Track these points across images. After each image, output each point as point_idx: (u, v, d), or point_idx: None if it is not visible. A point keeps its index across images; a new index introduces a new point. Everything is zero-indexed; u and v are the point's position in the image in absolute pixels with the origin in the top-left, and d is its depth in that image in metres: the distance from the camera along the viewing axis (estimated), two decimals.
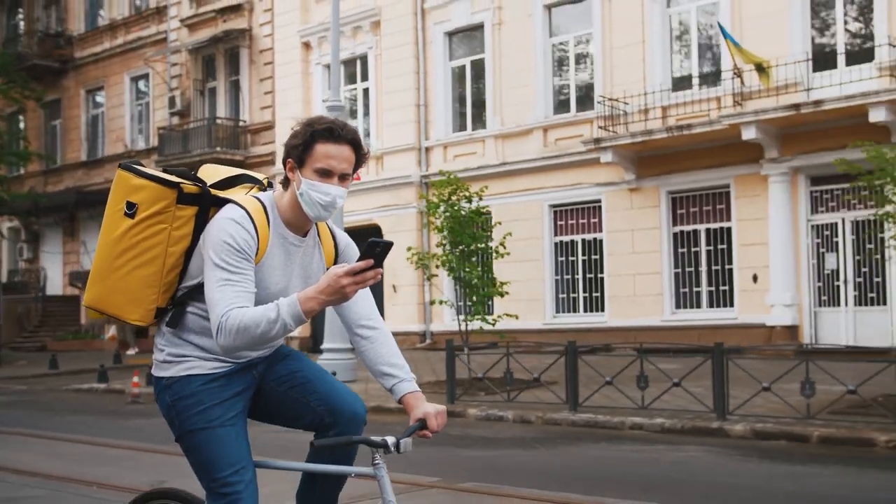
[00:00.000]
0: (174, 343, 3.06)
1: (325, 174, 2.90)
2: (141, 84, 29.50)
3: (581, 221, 20.03)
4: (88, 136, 31.01)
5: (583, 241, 19.99)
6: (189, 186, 3.01)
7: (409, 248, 15.42)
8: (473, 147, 21.55)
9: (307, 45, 24.56)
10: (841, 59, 16.92)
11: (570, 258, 20.20)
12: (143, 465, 8.44)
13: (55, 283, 31.16)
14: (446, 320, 19.66)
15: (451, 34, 22.14)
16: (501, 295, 15.24)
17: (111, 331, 26.34)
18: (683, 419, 10.56)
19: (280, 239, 2.99)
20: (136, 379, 14.89)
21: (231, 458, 2.97)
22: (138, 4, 29.58)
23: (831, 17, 17.28)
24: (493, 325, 14.65)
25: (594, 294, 19.79)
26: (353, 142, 2.95)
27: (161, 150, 26.33)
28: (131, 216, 2.98)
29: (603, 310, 19.50)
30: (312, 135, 2.91)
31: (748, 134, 16.55)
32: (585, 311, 19.91)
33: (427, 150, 22.35)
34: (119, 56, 29.67)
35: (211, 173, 3.18)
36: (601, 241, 19.57)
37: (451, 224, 14.45)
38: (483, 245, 15.18)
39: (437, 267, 15.31)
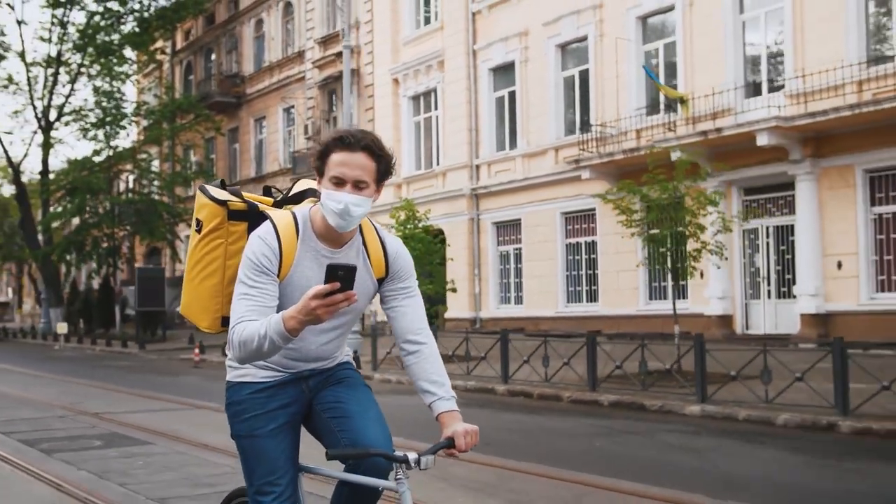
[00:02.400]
0: None
1: (338, 182, 2.90)
2: (290, 114, 35.94)
3: (584, 226, 23.78)
4: (256, 156, 38.00)
5: (585, 242, 23.74)
6: (236, 204, 3.17)
7: None
8: (508, 164, 25.80)
9: (396, 81, 29.69)
10: (764, 88, 19.75)
11: (577, 257, 24.00)
12: (117, 400, 14.06)
13: None
14: None
15: (493, 70, 26.45)
16: (455, 290, 19.54)
17: None
18: (482, 382, 14.59)
19: (312, 252, 3.01)
20: (197, 350, 20.80)
21: (267, 468, 3.06)
22: (287, 49, 36.01)
23: (758, 53, 20.07)
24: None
25: (593, 287, 23.51)
26: (368, 148, 2.93)
27: (294, 170, 32.54)
28: (199, 231, 3.20)
29: (598, 300, 23.20)
30: (327, 146, 2.95)
31: (674, 155, 19.75)
32: (587, 301, 23.67)
33: (477, 167, 26.82)
34: (275, 91, 36.36)
35: (294, 187, 3.36)
36: (596, 243, 23.24)
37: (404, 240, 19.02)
38: (432, 255, 19.50)
39: None
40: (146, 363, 22.69)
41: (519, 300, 25.67)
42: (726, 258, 15.59)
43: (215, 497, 6.53)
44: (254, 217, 3.18)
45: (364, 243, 3.11)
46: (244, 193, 3.27)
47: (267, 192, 3.44)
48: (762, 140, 18.18)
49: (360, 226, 3.10)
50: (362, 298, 3.03)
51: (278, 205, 3.31)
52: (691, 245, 15.21)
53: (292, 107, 35.38)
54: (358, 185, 2.90)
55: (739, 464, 8.08)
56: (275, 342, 2.76)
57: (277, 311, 2.87)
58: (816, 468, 8.03)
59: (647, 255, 15.58)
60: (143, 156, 37.45)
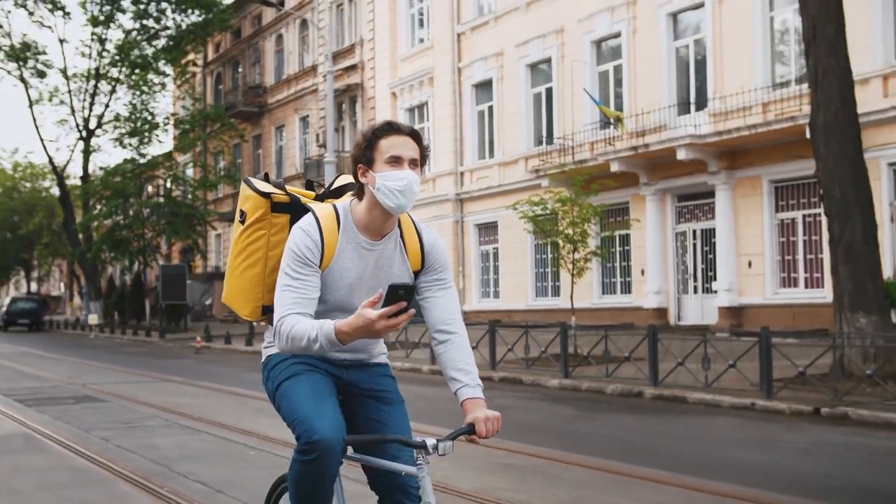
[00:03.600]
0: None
1: (394, 161, 3.00)
2: (305, 123, 39.04)
3: (550, 228, 26.38)
4: (277, 162, 41.22)
5: (551, 242, 26.33)
6: (279, 196, 3.27)
7: None
8: (487, 172, 28.55)
9: (394, 94, 32.59)
10: (692, 107, 22.25)
11: (544, 256, 26.66)
12: (109, 375, 17.16)
13: None
14: None
15: (475, 86, 29.21)
16: None
17: None
18: (414, 363, 17.41)
19: (352, 243, 3.10)
20: (199, 338, 23.91)
21: (311, 398, 3.06)
22: (302, 63, 39.12)
23: (688, 75, 22.55)
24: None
25: (556, 283, 26.16)
26: (413, 132, 3.07)
27: (305, 175, 35.63)
28: (242, 223, 3.30)
29: (560, 295, 25.84)
30: (374, 133, 3.05)
31: (615, 167, 22.35)
32: (552, 296, 26.34)
33: (461, 174, 29.61)
34: (292, 102, 39.50)
35: (336, 181, 3.49)
36: (559, 244, 25.83)
37: None
38: None
39: None
40: (160, 349, 25.87)
41: (497, 294, 28.42)
42: (599, 258, 18.32)
43: (125, 429, 9.48)
44: (296, 209, 3.27)
45: (401, 235, 3.18)
46: (287, 187, 3.35)
47: (309, 185, 3.61)
48: (681, 154, 20.69)
49: (398, 218, 3.16)
50: None
51: (319, 198, 3.40)
52: (584, 249, 17.89)
53: (307, 116, 38.47)
54: (413, 164, 3.05)
55: (524, 415, 10.80)
56: (324, 347, 2.88)
57: (319, 301, 3.03)
58: (574, 418, 10.71)
59: (553, 257, 18.16)
60: (172, 162, 40.90)
